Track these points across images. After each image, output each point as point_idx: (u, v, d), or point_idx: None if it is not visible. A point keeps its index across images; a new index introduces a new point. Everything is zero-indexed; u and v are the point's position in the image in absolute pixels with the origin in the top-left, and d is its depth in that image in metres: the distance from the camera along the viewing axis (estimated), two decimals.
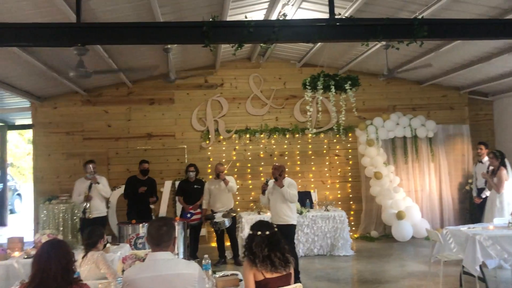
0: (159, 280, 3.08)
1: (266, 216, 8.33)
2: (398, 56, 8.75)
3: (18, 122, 13.22)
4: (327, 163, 10.57)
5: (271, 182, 6.97)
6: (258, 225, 3.93)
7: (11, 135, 19.25)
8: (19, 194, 15.36)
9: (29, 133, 18.97)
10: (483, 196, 8.25)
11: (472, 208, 9.99)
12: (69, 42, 5.01)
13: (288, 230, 6.73)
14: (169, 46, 7.60)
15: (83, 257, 4.62)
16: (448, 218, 10.39)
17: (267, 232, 3.82)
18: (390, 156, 10.40)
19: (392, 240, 9.67)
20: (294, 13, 7.43)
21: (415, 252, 8.79)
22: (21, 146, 21.39)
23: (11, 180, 14.10)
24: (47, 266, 2.99)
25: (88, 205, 7.40)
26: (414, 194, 10.40)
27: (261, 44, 5.67)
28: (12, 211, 14.83)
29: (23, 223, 12.77)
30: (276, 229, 3.95)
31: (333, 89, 6.14)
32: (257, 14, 7.60)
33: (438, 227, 9.79)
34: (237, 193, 9.83)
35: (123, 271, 4.14)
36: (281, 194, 6.73)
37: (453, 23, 5.50)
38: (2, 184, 12.96)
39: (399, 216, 9.49)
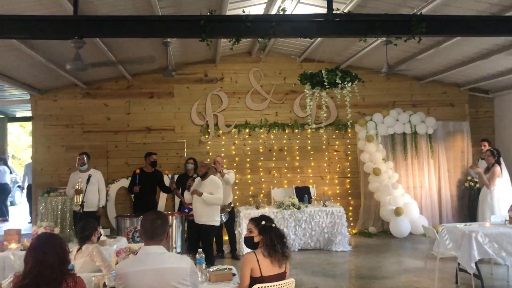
0: (150, 273, 3.09)
1: (265, 211, 8.35)
2: (399, 52, 8.71)
3: (19, 114, 13.26)
4: (326, 158, 10.56)
5: (198, 179, 6.98)
6: (267, 218, 4.00)
7: (12, 127, 19.30)
8: (19, 186, 15.35)
9: (30, 125, 19.00)
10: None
11: (470, 205, 9.99)
12: (66, 35, 5.01)
13: (207, 231, 6.79)
14: (168, 39, 7.59)
15: (77, 250, 4.64)
16: (447, 215, 10.38)
17: (273, 225, 3.91)
18: (389, 152, 10.38)
19: (390, 236, 9.69)
20: (294, 7, 7.39)
21: (412, 249, 8.80)
22: (22, 139, 21.42)
23: (12, 172, 14.08)
24: (45, 257, 3.00)
25: (80, 198, 7.23)
26: (413, 190, 10.38)
27: (259, 39, 5.63)
28: (12, 203, 14.86)
29: (23, 215, 12.82)
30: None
31: (340, 83, 6.12)
32: (257, 9, 7.57)
33: (437, 223, 9.79)
34: (236, 187, 9.88)
35: (117, 264, 4.16)
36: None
37: (452, 20, 5.48)
38: None
39: (397, 212, 9.49)
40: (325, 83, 6.22)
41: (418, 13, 5.66)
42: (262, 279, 3.70)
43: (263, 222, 3.92)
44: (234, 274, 4.11)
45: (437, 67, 9.64)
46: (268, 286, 3.68)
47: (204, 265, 4.15)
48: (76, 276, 3.15)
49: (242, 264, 3.81)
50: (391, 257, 8.14)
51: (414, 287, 6.30)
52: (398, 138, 10.47)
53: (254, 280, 3.71)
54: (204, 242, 6.71)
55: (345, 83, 6.13)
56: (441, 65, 9.47)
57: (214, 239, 8.43)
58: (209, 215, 6.74)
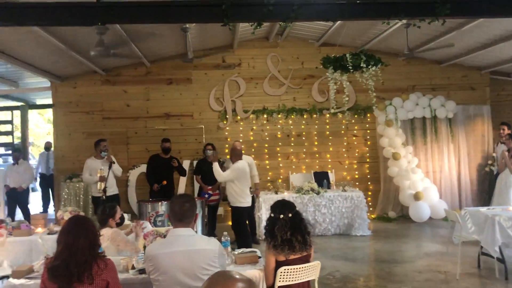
0: (180, 255, 3.14)
1: (284, 196, 8.37)
2: (419, 35, 8.58)
3: (39, 101, 13.39)
4: (344, 143, 10.53)
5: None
6: (279, 207, 3.88)
7: (31, 114, 19.52)
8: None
9: (48, 112, 19.21)
10: None
11: (490, 190, 9.90)
12: (90, 22, 5.04)
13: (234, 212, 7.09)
14: (187, 25, 7.59)
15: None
16: (466, 199, 10.31)
17: (290, 215, 3.79)
18: (408, 136, 10.30)
19: (409, 221, 9.66)
20: None
21: (432, 233, 8.78)
22: (41, 126, 21.70)
23: (32, 159, 14.29)
24: (76, 241, 3.07)
25: (103, 185, 7.27)
26: (432, 175, 10.32)
27: (280, 23, 5.61)
28: (33, 189, 15.09)
29: (38, 202, 13.04)
30: (297, 209, 3.94)
31: (368, 66, 6.09)
32: None
33: (457, 208, 9.74)
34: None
35: (144, 247, 4.21)
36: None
37: (477, 1, 5.37)
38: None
39: (417, 197, 9.46)
40: (349, 67, 6.18)
41: None
42: (287, 262, 3.73)
43: (271, 214, 3.88)
44: (259, 257, 4.15)
45: (458, 50, 9.47)
46: (293, 269, 3.71)
47: (229, 248, 4.20)
48: (107, 258, 3.23)
49: (265, 250, 3.83)
50: (411, 241, 8.13)
51: (436, 271, 6.30)
52: (417, 123, 10.37)
53: (279, 263, 3.74)
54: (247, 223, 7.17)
55: (369, 66, 6.09)
56: (462, 48, 9.31)
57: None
58: (236, 198, 7.02)
